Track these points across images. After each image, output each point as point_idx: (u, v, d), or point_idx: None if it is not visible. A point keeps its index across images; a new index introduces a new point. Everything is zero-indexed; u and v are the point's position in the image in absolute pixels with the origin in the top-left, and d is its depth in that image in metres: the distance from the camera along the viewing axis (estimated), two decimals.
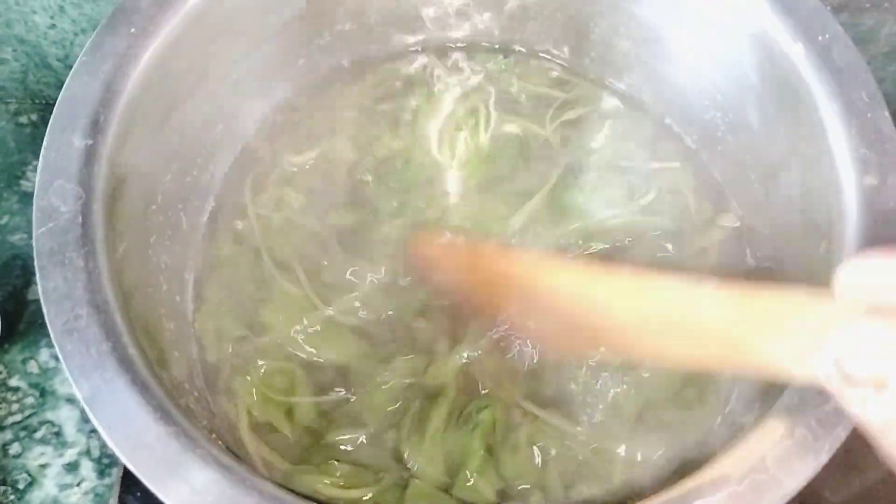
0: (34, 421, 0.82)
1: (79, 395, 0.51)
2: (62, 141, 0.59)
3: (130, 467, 0.50)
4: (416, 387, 0.72)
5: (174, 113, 0.71)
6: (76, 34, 0.94)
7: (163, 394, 0.53)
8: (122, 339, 0.54)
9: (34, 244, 0.56)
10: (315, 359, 0.73)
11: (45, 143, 0.59)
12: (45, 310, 0.54)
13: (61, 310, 0.54)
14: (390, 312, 0.75)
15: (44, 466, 0.80)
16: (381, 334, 0.75)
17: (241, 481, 0.50)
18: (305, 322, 0.74)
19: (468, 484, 0.67)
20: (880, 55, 0.98)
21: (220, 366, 0.73)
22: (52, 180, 0.58)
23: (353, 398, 0.72)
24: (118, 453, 0.50)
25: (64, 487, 0.79)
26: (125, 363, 0.53)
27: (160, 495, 0.49)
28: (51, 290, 0.54)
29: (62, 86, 0.99)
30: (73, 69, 0.62)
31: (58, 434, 0.82)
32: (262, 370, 0.72)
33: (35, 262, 0.55)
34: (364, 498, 0.66)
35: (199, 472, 0.50)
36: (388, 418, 0.71)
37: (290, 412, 0.71)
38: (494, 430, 0.70)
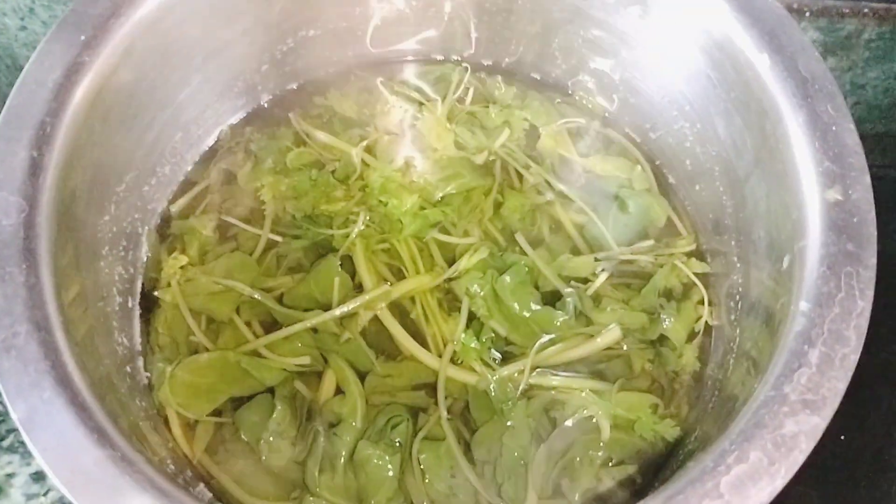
0: (1, 429, 0.80)
1: (14, 417, 0.50)
2: (7, 152, 0.58)
3: (65, 492, 0.48)
4: None
5: (128, 122, 0.69)
6: None
7: (103, 415, 0.52)
8: (62, 357, 0.53)
9: None
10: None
11: None
12: None
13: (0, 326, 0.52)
14: None
15: (10, 476, 0.78)
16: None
17: None
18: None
19: None
20: (861, 61, 0.97)
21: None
22: None
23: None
24: (53, 477, 0.49)
25: (30, 497, 0.77)
26: (64, 383, 0.52)
27: None
28: None
29: None
30: (20, 77, 0.61)
31: (24, 443, 0.79)
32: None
33: None
34: None
35: (136, 497, 0.48)
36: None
37: None
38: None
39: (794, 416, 0.51)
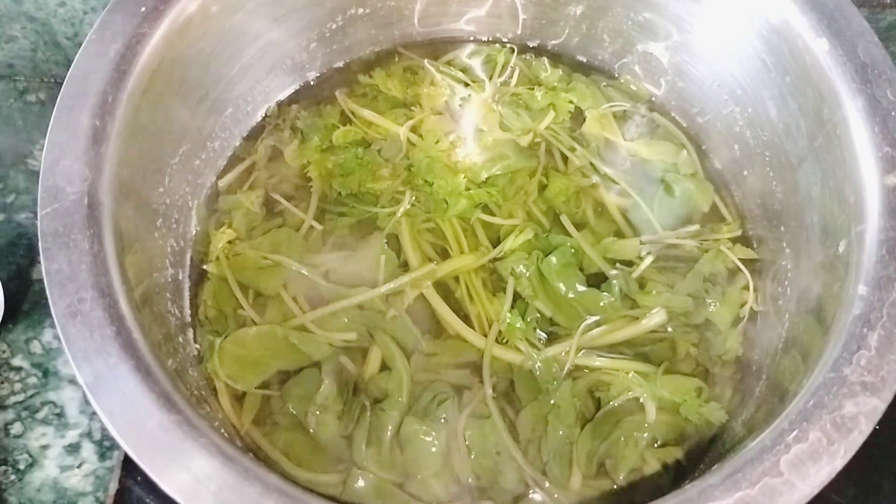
0: (36, 401, 0.82)
1: (81, 381, 0.51)
2: (70, 120, 0.59)
3: (132, 454, 0.49)
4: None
5: (183, 94, 0.70)
6: (86, 12, 0.94)
7: (167, 380, 0.53)
8: (126, 323, 0.54)
9: (38, 224, 0.55)
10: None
11: (52, 121, 0.59)
12: (48, 292, 0.53)
13: (65, 292, 0.53)
14: None
15: (45, 447, 0.80)
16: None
17: (243, 471, 0.50)
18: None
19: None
20: None
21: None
22: (59, 160, 0.57)
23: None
24: (120, 440, 0.49)
25: (64, 469, 0.79)
26: (129, 348, 0.53)
27: (162, 484, 0.48)
28: (54, 271, 0.54)
29: (70, 64, 0.98)
30: (82, 47, 0.62)
31: (59, 415, 0.81)
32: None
33: (39, 243, 0.55)
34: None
35: (201, 460, 0.49)
36: None
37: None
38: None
39: (853, 398, 0.52)
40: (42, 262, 0.54)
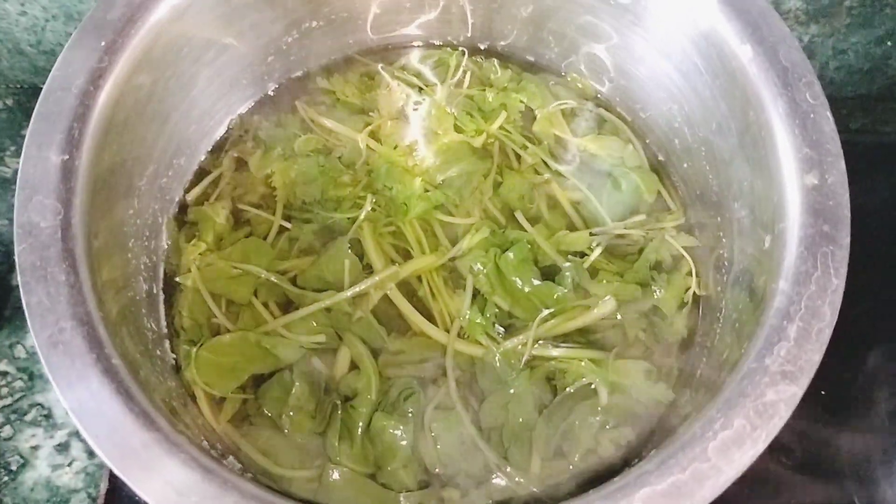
0: (24, 404, 0.84)
1: (66, 406, 0.54)
2: (39, 157, 0.61)
3: (118, 473, 0.53)
4: None
5: (147, 120, 0.73)
6: (47, 20, 0.95)
7: (146, 400, 0.56)
8: (105, 348, 0.57)
9: (17, 260, 0.58)
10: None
11: (21, 159, 0.61)
12: (30, 324, 0.56)
13: (45, 324, 0.56)
14: None
15: (35, 448, 0.82)
16: None
17: (222, 482, 0.53)
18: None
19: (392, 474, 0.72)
20: (843, 27, 1.01)
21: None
22: (31, 196, 0.60)
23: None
24: (106, 461, 0.53)
25: (56, 468, 0.81)
26: (109, 373, 0.56)
27: (148, 499, 0.52)
28: (35, 304, 0.57)
29: (36, 70, 0.98)
30: (46, 85, 0.64)
31: (47, 416, 0.84)
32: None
33: (18, 278, 0.58)
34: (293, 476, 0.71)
35: (182, 474, 0.53)
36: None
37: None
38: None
39: (774, 386, 0.56)
40: (22, 295, 0.57)
